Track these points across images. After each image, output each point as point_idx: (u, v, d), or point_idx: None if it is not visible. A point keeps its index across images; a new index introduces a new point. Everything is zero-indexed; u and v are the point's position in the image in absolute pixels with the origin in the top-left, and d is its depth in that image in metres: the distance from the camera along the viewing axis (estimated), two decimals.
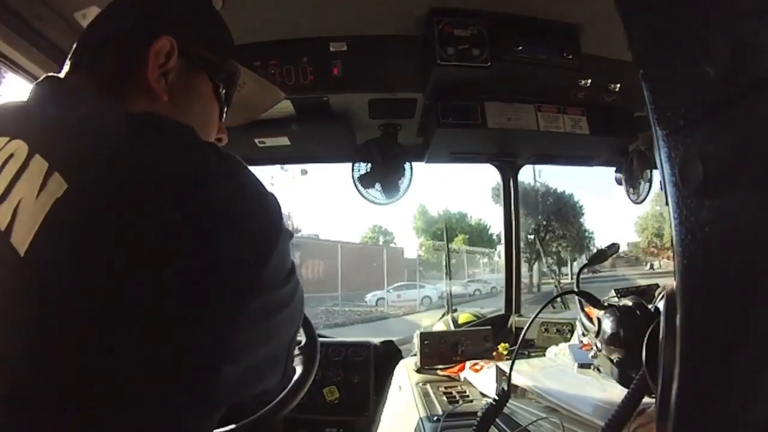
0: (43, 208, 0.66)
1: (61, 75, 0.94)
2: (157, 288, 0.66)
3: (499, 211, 3.16)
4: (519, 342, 1.26)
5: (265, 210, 0.80)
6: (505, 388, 1.22)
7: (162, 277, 0.66)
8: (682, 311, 0.51)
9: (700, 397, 0.49)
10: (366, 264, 25.37)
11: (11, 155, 0.71)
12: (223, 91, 1.09)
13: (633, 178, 2.92)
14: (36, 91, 0.88)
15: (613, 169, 3.02)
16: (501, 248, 3.42)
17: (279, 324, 0.85)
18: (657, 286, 1.33)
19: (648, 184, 2.91)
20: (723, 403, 0.46)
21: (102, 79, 0.92)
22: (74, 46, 0.99)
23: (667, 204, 0.51)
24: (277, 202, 0.83)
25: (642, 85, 0.53)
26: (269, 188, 0.82)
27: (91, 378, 0.64)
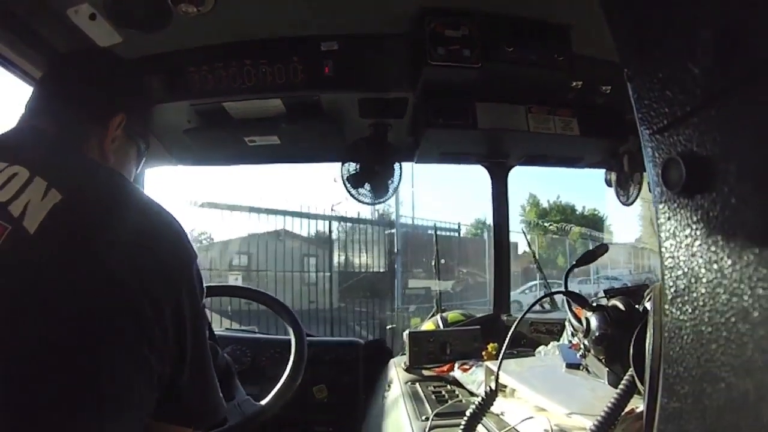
0: (46, 206, 1.00)
1: (32, 108, 1.32)
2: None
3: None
4: (506, 341, 1.26)
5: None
6: (493, 388, 1.22)
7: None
8: (666, 312, 0.51)
9: (684, 396, 0.50)
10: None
11: (15, 174, 1.04)
12: (143, 154, 1.51)
13: (623, 180, 2.93)
14: (21, 128, 1.27)
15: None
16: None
17: None
18: (646, 286, 1.33)
19: (638, 186, 2.92)
20: (707, 404, 0.47)
21: (67, 128, 1.26)
22: (41, 89, 1.37)
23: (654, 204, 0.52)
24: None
25: (627, 85, 0.54)
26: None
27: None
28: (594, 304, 1.30)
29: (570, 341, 1.67)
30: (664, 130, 0.49)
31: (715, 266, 0.44)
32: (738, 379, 0.43)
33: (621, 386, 0.92)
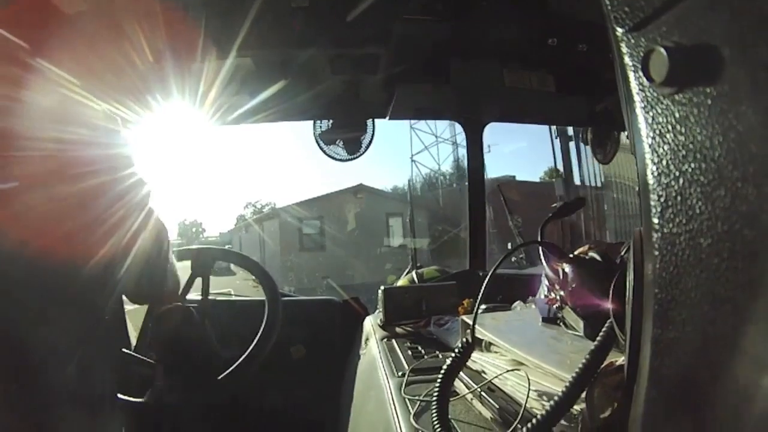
0: None
1: None
2: None
3: None
4: (481, 293, 1.24)
5: None
6: (469, 341, 1.21)
7: None
8: (655, 227, 0.48)
9: (682, 324, 0.46)
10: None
11: None
12: None
13: (599, 138, 2.94)
14: None
15: None
16: None
17: None
18: (622, 243, 1.32)
19: (614, 144, 2.93)
20: (710, 331, 0.44)
21: None
22: None
23: (630, 113, 0.49)
24: None
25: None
26: None
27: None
28: (570, 256, 1.29)
29: (546, 296, 1.67)
30: (642, 26, 0.46)
31: (713, 165, 0.41)
32: (748, 299, 0.39)
33: (599, 337, 0.90)
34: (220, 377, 1.89)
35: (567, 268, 1.25)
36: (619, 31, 0.48)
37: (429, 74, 2.31)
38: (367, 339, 2.23)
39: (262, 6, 2.08)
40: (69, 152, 0.99)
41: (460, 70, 2.31)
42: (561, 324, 1.40)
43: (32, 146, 0.92)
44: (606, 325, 0.90)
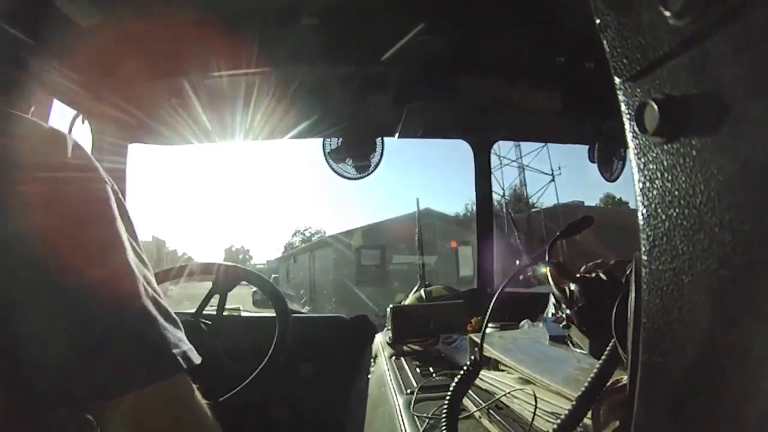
0: None
1: None
2: None
3: None
4: (488, 313, 1.25)
5: None
6: (477, 359, 1.22)
7: None
8: (644, 264, 0.50)
9: (667, 351, 0.49)
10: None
11: None
12: None
13: (606, 157, 2.94)
14: None
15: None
16: None
17: None
18: (630, 261, 1.32)
19: (621, 162, 2.93)
20: (691, 358, 0.46)
21: None
22: None
23: (629, 158, 0.51)
24: None
25: (600, 36, 0.53)
26: None
27: None
28: (576, 276, 1.29)
29: (554, 314, 1.67)
30: (637, 77, 0.49)
31: (695, 211, 0.43)
32: (723, 330, 0.43)
33: (603, 357, 0.92)
34: (221, 399, 1.89)
35: (573, 287, 1.26)
36: (617, 80, 0.51)
37: (437, 93, 2.32)
38: (375, 356, 2.24)
39: (273, 22, 2.11)
40: (69, 183, 0.75)
41: (468, 89, 2.32)
42: (568, 343, 1.41)
43: (26, 176, 0.70)
44: (610, 344, 0.91)
